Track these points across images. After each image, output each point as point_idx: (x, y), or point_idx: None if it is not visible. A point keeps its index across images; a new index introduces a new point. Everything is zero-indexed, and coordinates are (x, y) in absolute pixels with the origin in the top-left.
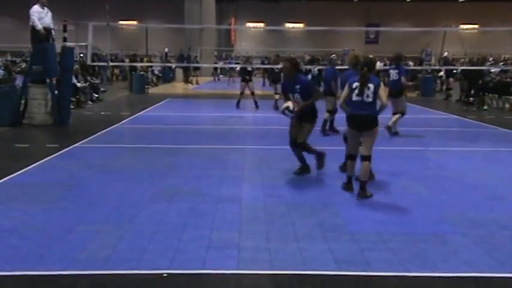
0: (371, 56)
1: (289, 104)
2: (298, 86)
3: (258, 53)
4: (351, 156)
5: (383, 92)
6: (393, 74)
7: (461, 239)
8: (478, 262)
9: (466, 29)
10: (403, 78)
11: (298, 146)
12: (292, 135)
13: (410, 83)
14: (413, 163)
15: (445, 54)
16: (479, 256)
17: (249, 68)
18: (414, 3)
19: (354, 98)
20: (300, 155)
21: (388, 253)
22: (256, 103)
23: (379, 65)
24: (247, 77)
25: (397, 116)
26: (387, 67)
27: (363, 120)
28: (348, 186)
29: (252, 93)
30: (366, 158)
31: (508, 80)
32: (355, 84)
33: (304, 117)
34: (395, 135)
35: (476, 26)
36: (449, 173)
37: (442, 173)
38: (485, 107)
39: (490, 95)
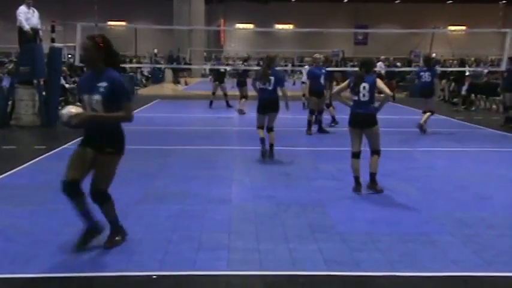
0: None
1: (73, 109)
2: (104, 84)
3: (248, 54)
4: (354, 155)
5: (381, 84)
6: (425, 75)
7: (449, 238)
8: (466, 261)
9: (454, 30)
10: (436, 80)
11: (96, 194)
12: (77, 175)
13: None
14: (401, 164)
15: (434, 55)
16: (467, 255)
17: (222, 70)
18: (402, 4)
19: (353, 97)
20: (110, 215)
21: (377, 253)
22: (228, 103)
23: (379, 65)
24: (217, 80)
25: (427, 114)
26: (387, 68)
27: (361, 119)
28: (357, 188)
29: (225, 94)
30: (375, 152)
31: (494, 80)
32: (352, 84)
33: (102, 141)
34: (424, 132)
35: (463, 28)
36: (438, 173)
37: (431, 173)
38: (473, 108)
39: (478, 96)
